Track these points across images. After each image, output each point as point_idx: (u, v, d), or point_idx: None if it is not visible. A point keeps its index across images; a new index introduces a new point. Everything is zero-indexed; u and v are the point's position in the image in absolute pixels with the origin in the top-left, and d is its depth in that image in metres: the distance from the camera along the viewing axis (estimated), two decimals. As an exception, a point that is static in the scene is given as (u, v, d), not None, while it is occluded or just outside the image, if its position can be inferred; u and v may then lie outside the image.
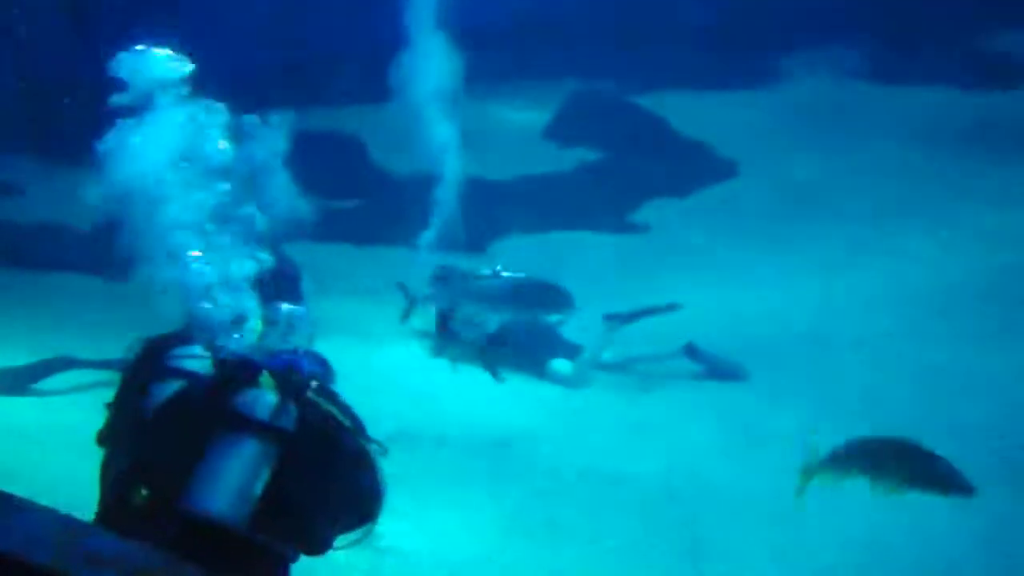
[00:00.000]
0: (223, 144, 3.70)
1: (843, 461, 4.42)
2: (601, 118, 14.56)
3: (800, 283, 9.58)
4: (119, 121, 3.60)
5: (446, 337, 8.26)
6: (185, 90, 3.65)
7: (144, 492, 3.09)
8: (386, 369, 7.90)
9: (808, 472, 4.43)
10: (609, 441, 6.74)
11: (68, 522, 2.33)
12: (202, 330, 3.65)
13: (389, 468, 3.51)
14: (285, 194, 3.96)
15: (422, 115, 8.95)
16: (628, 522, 5.57)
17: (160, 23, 3.93)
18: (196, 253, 3.66)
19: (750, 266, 10.13)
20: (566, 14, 15.71)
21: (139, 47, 3.67)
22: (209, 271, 3.71)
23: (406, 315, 8.49)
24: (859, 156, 13.19)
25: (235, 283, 3.70)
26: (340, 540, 3.43)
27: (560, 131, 14.68)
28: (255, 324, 5.54)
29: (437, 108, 8.98)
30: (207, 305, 3.67)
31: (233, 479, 3.09)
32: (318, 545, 3.33)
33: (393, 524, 3.86)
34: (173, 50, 3.68)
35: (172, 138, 3.65)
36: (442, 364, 8.28)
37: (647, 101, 14.89)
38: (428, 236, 8.92)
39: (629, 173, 13.33)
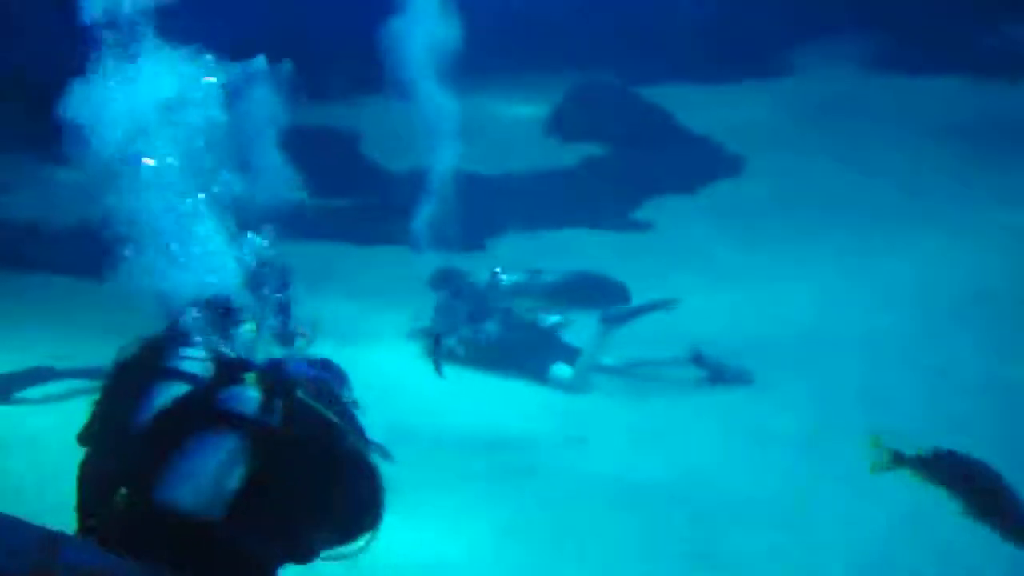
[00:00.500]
0: (208, 79, 3.68)
1: (922, 468, 4.44)
2: (604, 111, 14.55)
3: (808, 283, 9.58)
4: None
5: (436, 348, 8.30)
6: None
7: (123, 492, 3.09)
8: (381, 371, 7.89)
9: (880, 465, 4.44)
10: (612, 446, 6.74)
11: (45, 534, 2.32)
12: (193, 328, 3.67)
13: (387, 472, 3.50)
14: (272, 161, 3.96)
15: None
16: (632, 529, 5.57)
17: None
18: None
19: (756, 265, 10.13)
20: (567, 3, 15.70)
21: None
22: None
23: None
24: (870, 150, 13.19)
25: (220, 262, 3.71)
26: (332, 552, 3.42)
27: (561, 125, 14.67)
28: (250, 325, 5.55)
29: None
30: (194, 310, 3.68)
31: (205, 471, 3.10)
32: (301, 551, 3.31)
33: (386, 532, 3.85)
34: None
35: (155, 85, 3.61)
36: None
37: (651, 93, 14.88)
38: (419, 232, 8.91)
39: (632, 169, 13.32)
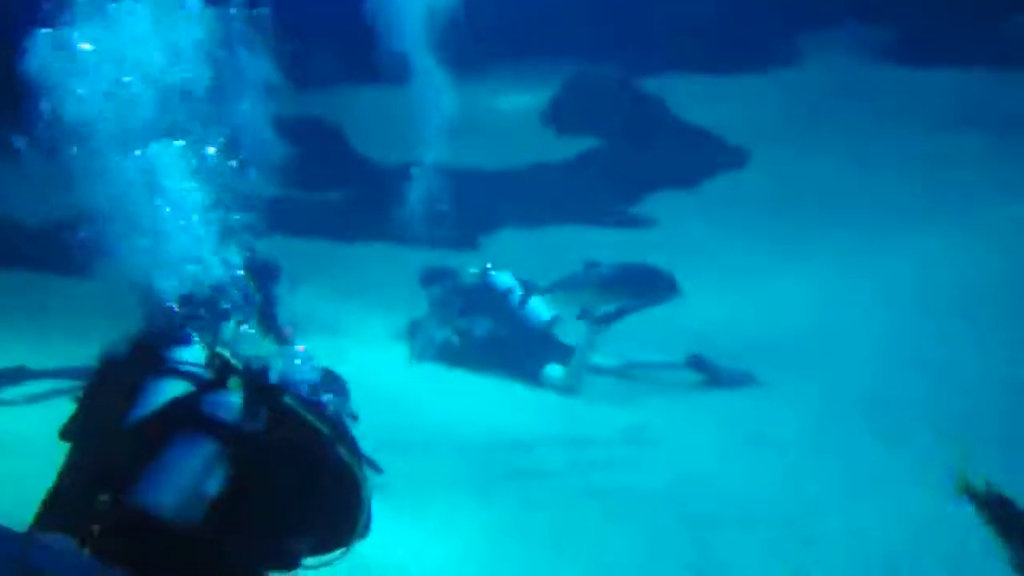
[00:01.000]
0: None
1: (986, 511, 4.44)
2: (601, 103, 14.51)
3: (810, 281, 9.58)
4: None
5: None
6: None
7: (104, 497, 3.12)
8: (371, 371, 7.87)
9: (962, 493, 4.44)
10: (609, 449, 6.72)
11: (12, 537, 2.31)
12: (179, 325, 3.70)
13: (375, 477, 3.50)
14: (257, 121, 4.00)
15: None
16: (629, 533, 5.55)
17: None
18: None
19: (757, 263, 10.13)
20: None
21: None
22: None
23: (522, 304, 8.27)
24: (874, 144, 13.19)
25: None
26: (315, 558, 3.43)
27: (558, 117, 14.63)
28: (232, 322, 5.55)
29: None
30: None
31: (182, 476, 3.14)
32: (284, 558, 3.33)
33: (376, 536, 3.85)
34: None
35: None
36: (428, 369, 8.27)
37: (651, 85, 14.86)
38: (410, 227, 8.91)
39: (631, 162, 13.29)
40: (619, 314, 7.83)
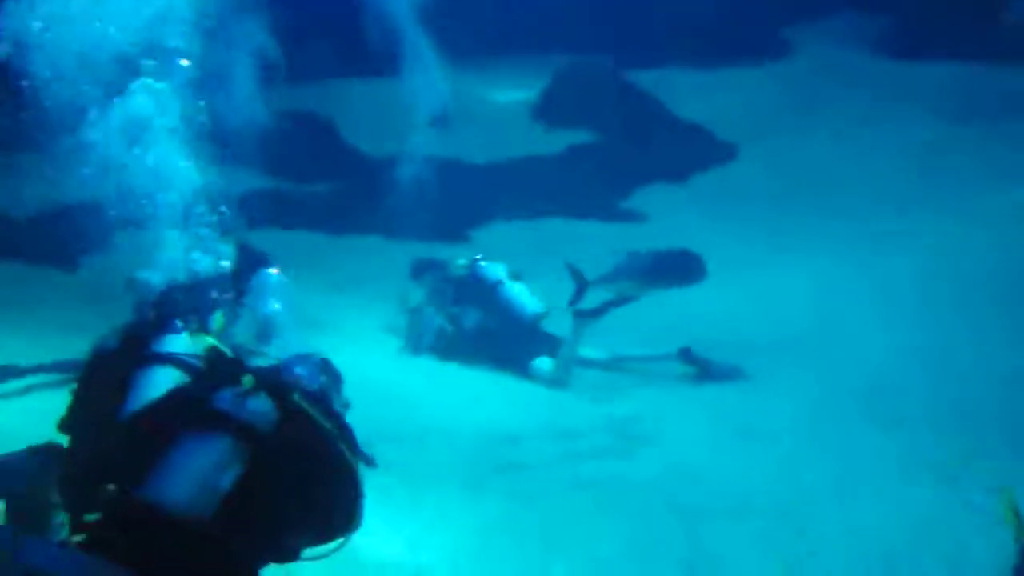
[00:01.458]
0: None
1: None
2: (593, 96, 14.51)
3: (805, 273, 9.60)
4: None
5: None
6: None
7: (111, 488, 3.13)
8: (361, 365, 7.87)
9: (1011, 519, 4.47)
10: (598, 442, 6.73)
11: (4, 534, 2.32)
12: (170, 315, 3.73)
13: (368, 471, 3.55)
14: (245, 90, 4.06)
15: None
16: (619, 526, 5.57)
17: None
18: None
19: (751, 256, 10.15)
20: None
21: None
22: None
23: (577, 297, 8.38)
24: (869, 135, 13.22)
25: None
26: (310, 551, 3.47)
27: (549, 110, 14.62)
28: (219, 313, 5.58)
29: None
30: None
31: (197, 472, 3.16)
32: (285, 552, 3.37)
33: (368, 529, 3.88)
34: None
35: None
36: (418, 362, 8.28)
37: (642, 77, 14.85)
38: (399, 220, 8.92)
39: (622, 156, 13.30)
40: (606, 308, 7.85)
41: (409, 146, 9.84)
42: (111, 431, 3.38)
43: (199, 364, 3.56)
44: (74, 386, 3.72)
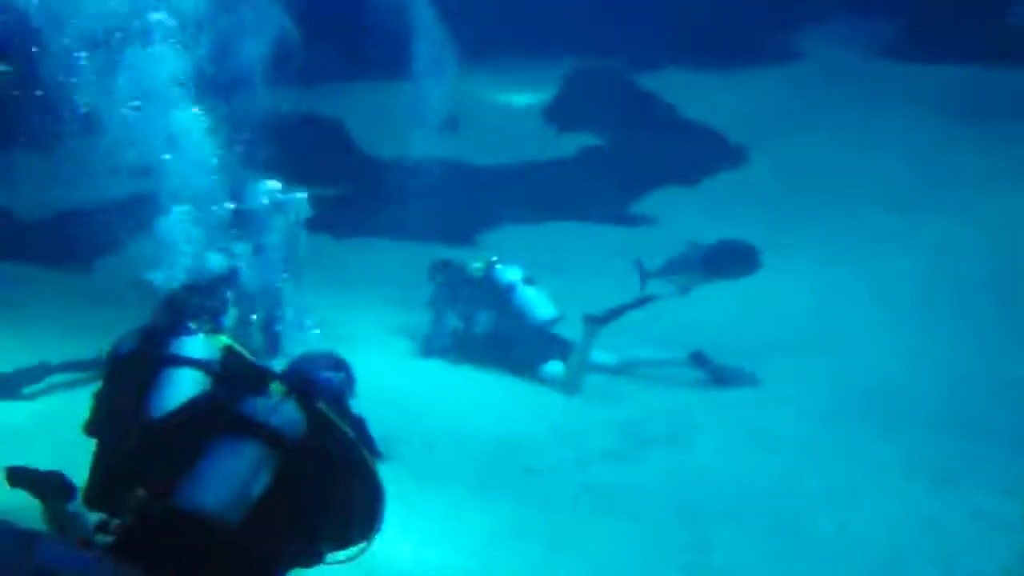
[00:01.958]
0: None
1: None
2: (603, 100, 14.53)
3: (813, 276, 9.59)
4: None
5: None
6: None
7: (141, 493, 3.18)
8: (371, 368, 7.88)
9: None
10: (608, 447, 6.73)
11: (19, 534, 2.34)
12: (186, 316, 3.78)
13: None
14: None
15: None
16: (629, 533, 5.57)
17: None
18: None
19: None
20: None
21: None
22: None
23: (644, 289, 8.52)
24: (876, 138, 13.20)
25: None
26: (334, 555, 3.52)
27: (559, 114, 14.65)
28: (232, 312, 5.61)
29: None
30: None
31: (231, 479, 3.21)
32: (311, 557, 3.43)
33: (379, 535, 3.90)
34: None
35: None
36: (429, 365, 8.29)
37: (651, 80, 14.86)
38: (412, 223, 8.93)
39: (632, 159, 13.31)
40: (618, 312, 7.84)
41: (419, 149, 9.86)
42: (136, 435, 3.43)
43: (220, 367, 3.61)
44: (96, 389, 3.78)
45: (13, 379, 7.18)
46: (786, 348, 8.09)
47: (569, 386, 7.74)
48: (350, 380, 3.98)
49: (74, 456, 4.05)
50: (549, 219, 11.85)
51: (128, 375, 3.67)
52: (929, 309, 8.53)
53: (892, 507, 5.66)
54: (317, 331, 7.61)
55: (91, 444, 4.16)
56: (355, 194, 12.49)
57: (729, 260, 8.15)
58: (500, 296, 8.24)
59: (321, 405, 3.49)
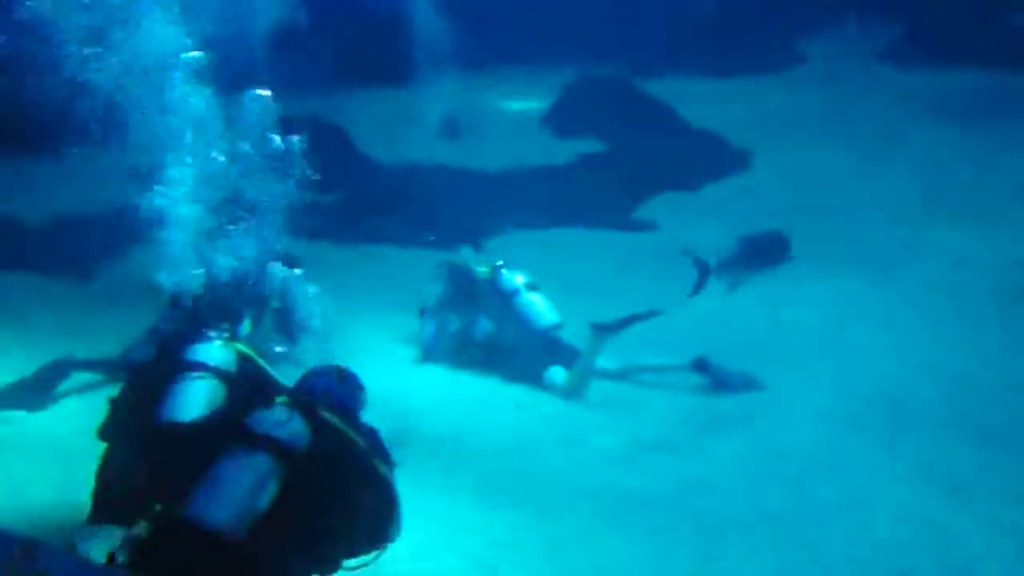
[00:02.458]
0: None
1: None
2: (604, 106, 14.55)
3: (820, 282, 9.57)
4: None
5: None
6: None
7: (155, 505, 3.24)
8: (374, 374, 7.88)
9: None
10: (611, 454, 6.73)
11: (23, 543, 2.36)
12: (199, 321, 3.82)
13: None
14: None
15: None
16: (632, 542, 5.57)
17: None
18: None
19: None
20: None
21: None
22: None
23: (698, 287, 8.53)
24: (883, 144, 13.21)
25: None
26: (349, 562, 3.57)
27: (560, 120, 14.67)
28: (248, 320, 5.64)
29: None
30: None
31: (238, 491, 3.27)
32: (324, 564, 3.48)
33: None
34: None
35: None
36: (430, 370, 8.29)
37: (653, 87, 14.88)
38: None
39: (634, 166, 13.32)
40: (627, 323, 7.83)
41: (421, 155, 9.87)
42: (148, 444, 3.49)
43: (233, 378, 3.68)
44: (111, 394, 3.84)
45: (21, 386, 7.18)
46: (790, 354, 8.08)
47: (572, 392, 7.74)
48: (359, 392, 4.02)
49: (77, 467, 4.06)
50: (552, 225, 11.86)
51: (145, 381, 3.73)
52: (938, 317, 8.52)
53: (904, 516, 5.65)
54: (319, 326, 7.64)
55: (92, 454, 4.17)
56: (356, 200, 12.50)
57: (766, 251, 8.18)
58: (503, 301, 8.24)
59: (327, 415, 3.54)
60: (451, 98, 11.45)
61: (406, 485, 5.76)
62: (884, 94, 14.87)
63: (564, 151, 13.91)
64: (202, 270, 4.30)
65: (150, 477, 3.42)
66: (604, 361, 7.94)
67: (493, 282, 8.31)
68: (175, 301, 4.65)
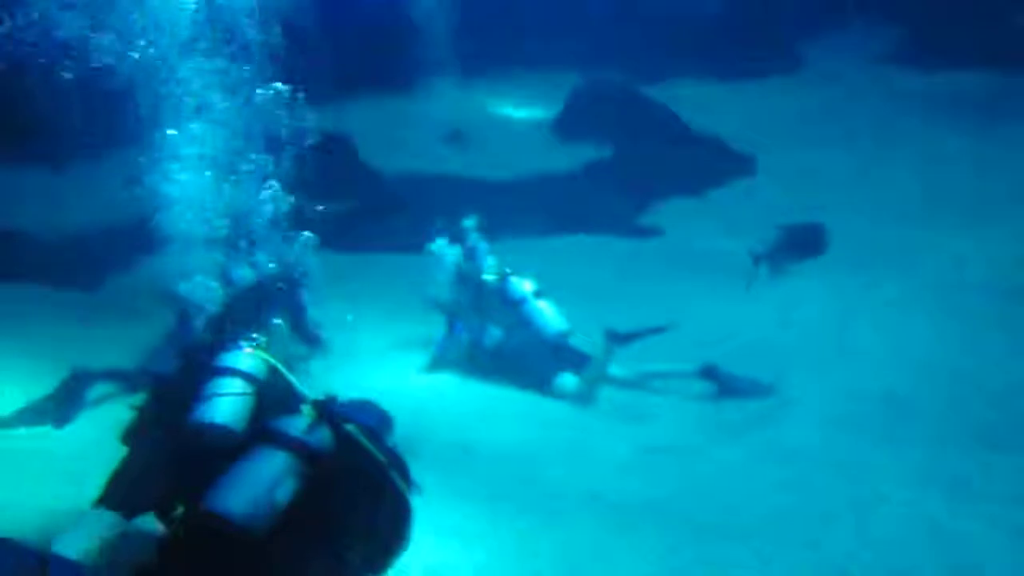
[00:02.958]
0: None
1: None
2: (609, 113, 14.56)
3: (825, 287, 9.57)
4: None
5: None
6: None
7: (179, 508, 3.29)
8: (381, 381, 7.90)
9: None
10: (619, 461, 6.72)
11: (34, 554, 2.37)
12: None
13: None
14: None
15: None
16: (640, 548, 5.56)
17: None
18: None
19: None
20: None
21: None
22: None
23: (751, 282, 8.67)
24: (885, 146, 13.22)
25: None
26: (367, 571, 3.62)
27: (566, 127, 14.68)
28: (280, 320, 5.68)
29: None
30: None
31: (256, 483, 3.32)
32: (337, 569, 3.51)
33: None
34: None
35: None
36: (438, 378, 8.28)
37: (658, 92, 14.89)
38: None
39: (639, 171, 13.33)
40: (640, 334, 7.82)
41: (424, 162, 9.87)
42: (177, 447, 3.55)
43: (263, 385, 3.75)
44: (135, 402, 3.91)
45: (45, 401, 7.17)
46: (794, 357, 8.07)
47: (582, 398, 7.73)
48: (386, 418, 4.12)
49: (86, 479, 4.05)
50: (557, 232, 11.86)
51: (172, 388, 3.79)
52: (941, 318, 8.51)
53: (910, 519, 5.64)
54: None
55: (97, 465, 4.16)
56: (361, 208, 12.51)
57: (807, 242, 8.24)
58: (512, 308, 8.24)
59: (350, 428, 3.60)
60: (454, 104, 11.46)
61: (413, 492, 5.79)
62: (885, 96, 14.89)
63: (567, 157, 13.92)
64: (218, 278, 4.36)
65: (174, 479, 3.47)
66: (614, 368, 7.93)
67: (501, 290, 8.30)
68: (186, 314, 4.71)
